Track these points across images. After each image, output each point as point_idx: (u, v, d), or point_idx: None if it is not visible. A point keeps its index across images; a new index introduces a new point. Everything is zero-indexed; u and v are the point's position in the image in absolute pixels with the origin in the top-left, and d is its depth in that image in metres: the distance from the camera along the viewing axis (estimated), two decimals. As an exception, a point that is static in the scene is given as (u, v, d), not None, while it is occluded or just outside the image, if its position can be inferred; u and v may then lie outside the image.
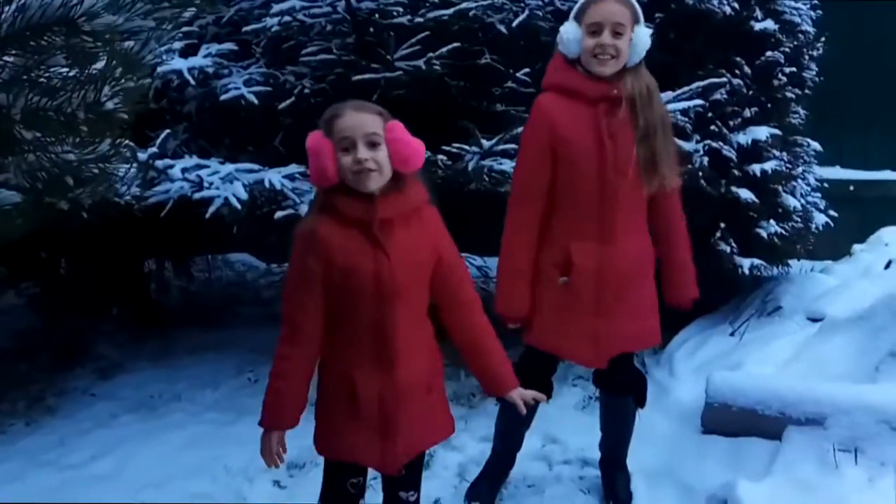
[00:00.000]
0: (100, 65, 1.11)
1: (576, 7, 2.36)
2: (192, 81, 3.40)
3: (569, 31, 2.31)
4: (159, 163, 2.90)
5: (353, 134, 1.82)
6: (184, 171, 3.22)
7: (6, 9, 1.00)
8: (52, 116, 1.05)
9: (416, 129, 3.59)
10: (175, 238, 4.41)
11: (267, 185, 3.19)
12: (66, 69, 1.11)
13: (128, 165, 1.28)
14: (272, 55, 3.84)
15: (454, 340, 2.06)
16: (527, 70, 3.71)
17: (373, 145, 1.83)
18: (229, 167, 3.18)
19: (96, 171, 1.22)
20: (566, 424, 3.37)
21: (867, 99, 5.60)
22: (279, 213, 3.19)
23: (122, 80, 1.11)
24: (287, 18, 3.41)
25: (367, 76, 3.30)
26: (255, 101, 3.33)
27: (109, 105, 1.13)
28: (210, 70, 3.53)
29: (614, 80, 2.30)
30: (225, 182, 3.13)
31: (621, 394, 2.67)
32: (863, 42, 5.50)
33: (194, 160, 3.36)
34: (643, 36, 2.30)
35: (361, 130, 1.83)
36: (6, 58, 1.03)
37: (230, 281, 5.64)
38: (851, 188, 5.60)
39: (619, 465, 2.84)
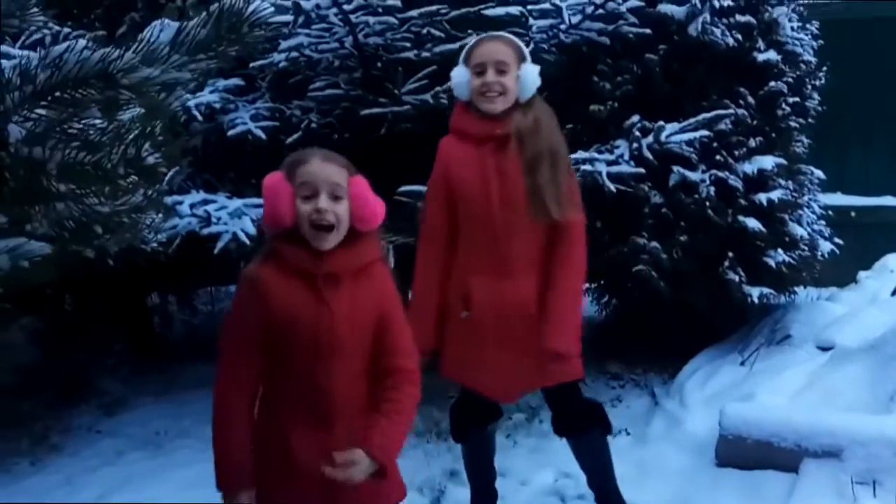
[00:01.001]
0: (128, 115, 1.11)
1: (464, 51, 2.48)
2: (200, 117, 3.41)
3: (458, 75, 2.43)
4: (168, 199, 2.90)
5: (316, 182, 1.76)
6: (192, 206, 3.22)
7: (40, 63, 1.00)
8: (89, 170, 1.04)
9: (422, 162, 3.60)
10: (179, 272, 4.40)
11: (275, 219, 3.19)
12: (98, 121, 1.11)
13: (156, 213, 1.27)
14: (277, 90, 3.86)
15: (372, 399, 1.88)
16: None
17: (335, 198, 1.77)
18: (237, 202, 3.18)
19: (126, 220, 1.21)
20: (568, 462, 3.33)
21: (867, 125, 5.64)
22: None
23: (160, 135, 1.11)
24: (294, 54, 3.44)
25: (374, 110, 3.31)
26: (263, 137, 3.34)
27: (150, 160, 1.13)
28: (217, 105, 3.54)
29: (504, 117, 2.38)
30: (233, 217, 3.13)
31: (581, 433, 2.65)
32: (863, 70, 5.56)
33: (202, 195, 3.36)
34: (530, 73, 2.38)
35: (326, 180, 1.76)
36: (40, 111, 1.03)
37: (233, 313, 5.61)
38: (853, 214, 5.62)
39: (615, 498, 2.80)
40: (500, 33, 2.52)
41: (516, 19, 3.58)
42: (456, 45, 3.41)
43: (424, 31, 3.40)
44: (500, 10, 3.51)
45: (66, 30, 3.57)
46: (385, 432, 1.80)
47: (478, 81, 2.36)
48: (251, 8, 1.12)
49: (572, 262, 2.41)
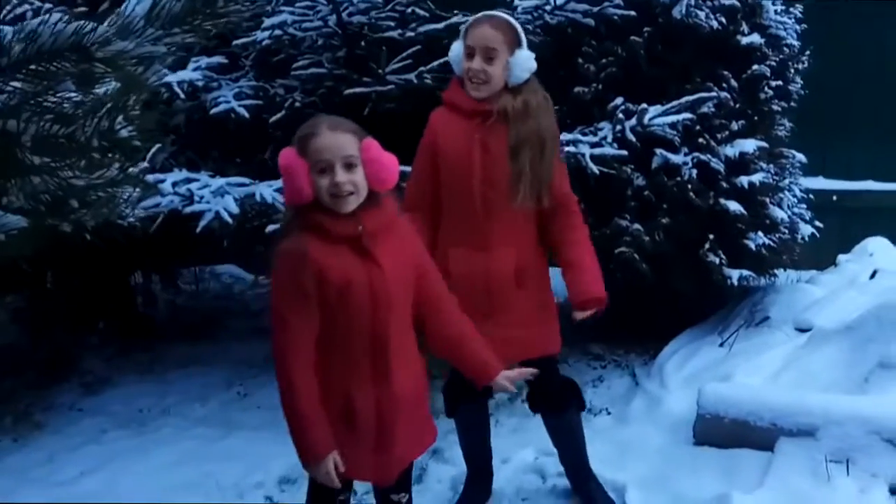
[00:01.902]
0: (104, 89, 1.11)
1: (463, 27, 2.49)
2: (182, 95, 3.39)
3: (454, 50, 2.46)
4: (150, 177, 2.89)
5: (330, 156, 1.82)
6: (174, 184, 3.21)
7: (15, 36, 0.99)
8: (63, 143, 1.04)
9: (406, 142, 3.60)
10: (163, 251, 4.38)
11: (258, 198, 3.18)
12: (73, 94, 1.11)
13: (133, 188, 1.27)
14: (261, 68, 3.84)
15: (437, 339, 2.09)
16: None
17: (350, 167, 1.84)
18: (220, 181, 3.17)
19: (102, 194, 1.21)
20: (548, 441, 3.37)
21: (850, 110, 5.68)
22: (270, 227, 3.18)
23: (136, 108, 1.11)
24: (278, 32, 3.41)
25: (358, 90, 3.30)
26: (247, 115, 3.33)
27: (124, 133, 1.13)
28: (200, 83, 3.52)
29: (491, 100, 2.39)
30: (216, 196, 3.12)
31: (558, 409, 2.69)
32: (845, 53, 5.58)
33: (184, 174, 3.34)
34: (522, 60, 2.38)
35: (339, 153, 1.83)
36: (14, 83, 1.02)
37: (217, 293, 5.61)
38: (834, 198, 5.67)
39: (588, 474, 2.84)
40: (497, 14, 2.47)
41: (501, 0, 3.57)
42: (441, 25, 3.41)
43: (409, 10, 3.38)
44: (486, -10, 3.50)
45: (48, 5, 3.53)
46: (488, 350, 2.10)
47: (465, 65, 2.38)
48: None
49: (578, 225, 2.51)
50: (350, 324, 1.90)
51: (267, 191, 3.23)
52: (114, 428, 3.67)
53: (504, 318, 2.44)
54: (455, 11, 3.55)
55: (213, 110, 3.37)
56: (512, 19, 2.49)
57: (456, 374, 2.66)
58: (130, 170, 1.26)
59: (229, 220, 3.08)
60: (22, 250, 1.13)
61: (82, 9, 3.28)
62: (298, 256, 1.84)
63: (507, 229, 2.43)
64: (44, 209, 1.14)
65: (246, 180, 3.24)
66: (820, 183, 5.58)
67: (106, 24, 1.04)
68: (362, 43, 3.34)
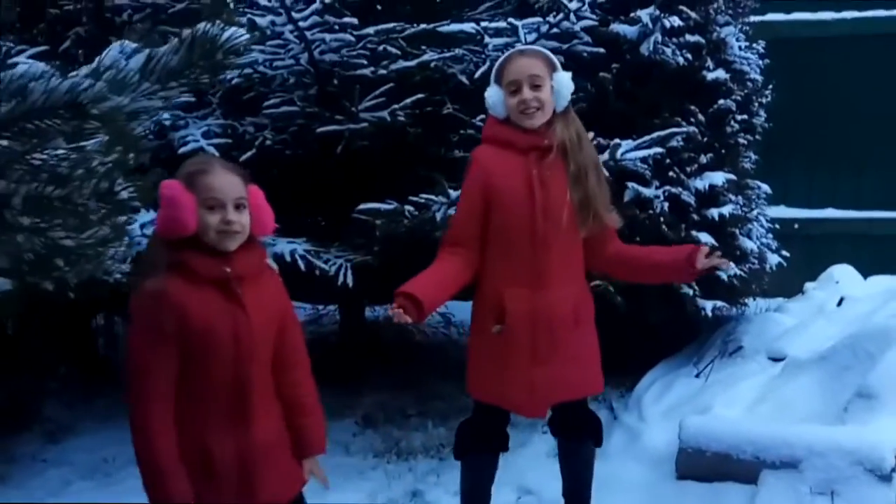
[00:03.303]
0: (94, 144, 1.06)
1: (494, 69, 2.47)
2: (150, 135, 3.32)
3: (492, 95, 2.42)
4: (120, 218, 2.81)
5: (223, 196, 1.83)
6: (142, 226, 3.13)
7: (3, 91, 0.94)
8: (57, 205, 0.99)
9: (380, 179, 3.56)
10: (126, 292, 4.27)
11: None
12: (62, 151, 1.05)
13: (121, 245, 1.22)
14: (229, 106, 3.79)
15: (279, 393, 2.03)
16: (482, 118, 3.75)
17: (239, 207, 1.86)
18: (123, 224, 3.09)
19: (90, 252, 1.15)
20: (539, 474, 3.34)
21: (809, 140, 5.82)
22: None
23: (133, 167, 1.06)
24: (248, 70, 3.38)
25: (331, 128, 3.28)
26: (216, 154, 3.27)
27: (124, 195, 1.08)
28: (167, 122, 3.46)
29: (544, 129, 2.37)
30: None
31: (579, 439, 2.67)
32: (804, 85, 5.73)
33: (152, 214, 3.27)
34: (564, 81, 2.38)
35: (232, 193, 1.85)
36: (1, 142, 0.97)
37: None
38: (796, 226, 5.78)
39: None
40: (528, 47, 2.51)
41: (472, 37, 3.60)
42: (413, 63, 3.41)
43: (381, 48, 3.38)
44: (455, 27, 3.52)
45: (8, 44, 3.45)
46: (319, 427, 2.06)
47: (514, 100, 2.33)
48: (226, 35, 1.08)
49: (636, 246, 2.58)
50: (210, 369, 1.86)
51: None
52: (78, 479, 3.53)
53: (559, 358, 2.40)
54: (424, 48, 3.56)
55: (182, 149, 3.30)
56: (541, 49, 2.50)
57: (478, 419, 2.58)
58: (121, 226, 1.20)
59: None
60: (5, 312, 1.06)
61: (44, 48, 3.23)
62: (157, 296, 1.78)
63: (563, 265, 2.40)
64: (26, 269, 1.08)
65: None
66: (782, 212, 5.69)
67: (101, 79, 0.99)
68: (334, 81, 3.32)
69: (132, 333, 1.85)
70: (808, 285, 4.68)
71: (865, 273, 4.84)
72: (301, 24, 3.13)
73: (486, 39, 3.55)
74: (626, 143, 3.30)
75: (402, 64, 3.36)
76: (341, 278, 3.27)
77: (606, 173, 3.35)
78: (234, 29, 1.10)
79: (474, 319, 2.46)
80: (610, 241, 2.51)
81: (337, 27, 3.22)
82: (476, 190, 2.39)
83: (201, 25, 1.07)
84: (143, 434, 1.81)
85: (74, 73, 1.02)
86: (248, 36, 1.16)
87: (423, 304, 2.22)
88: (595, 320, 2.51)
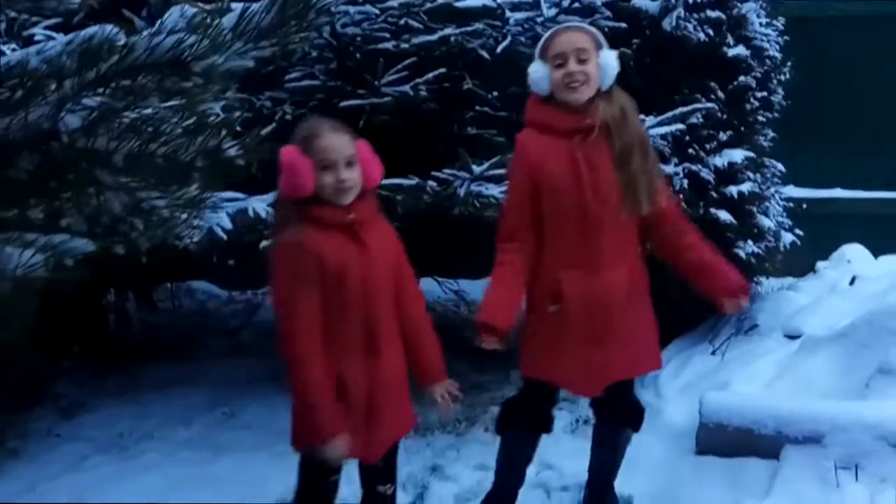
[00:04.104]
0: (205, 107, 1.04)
1: (538, 45, 2.43)
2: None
3: (536, 71, 2.38)
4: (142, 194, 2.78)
5: (335, 156, 2.02)
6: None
7: (104, 46, 0.92)
8: (160, 162, 0.97)
9: (401, 154, 3.53)
10: (139, 268, 4.24)
11: (251, 213, 3.10)
12: (150, 110, 1.03)
13: (201, 209, 1.20)
14: (245, 80, 3.74)
15: (402, 328, 2.22)
16: (501, 93, 3.73)
17: (350, 165, 2.04)
18: (213, 196, 3.07)
19: (167, 215, 1.14)
20: (558, 449, 3.34)
21: (819, 119, 5.80)
22: (265, 243, 3.10)
23: (236, 121, 1.04)
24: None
25: (352, 102, 3.24)
26: (237, 128, 3.24)
27: (232, 152, 1.06)
28: (185, 96, 3.42)
29: (588, 108, 2.34)
30: (209, 211, 3.02)
31: (620, 424, 2.67)
32: (813, 64, 5.71)
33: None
34: (610, 59, 2.35)
35: (342, 153, 2.03)
36: (95, 98, 0.95)
37: (191, 311, 5.45)
38: (804, 206, 5.77)
39: (609, 489, 2.83)
40: (573, 23, 2.48)
41: (492, 11, 3.56)
42: (434, 37, 3.38)
43: (402, 21, 3.34)
44: (477, 2, 3.48)
45: (23, 16, 3.39)
46: (437, 356, 2.27)
47: (559, 73, 2.29)
48: None
49: (689, 229, 2.50)
50: (344, 304, 2.06)
51: (260, 205, 3.15)
52: (94, 454, 3.52)
53: (616, 338, 2.39)
54: (446, 24, 3.53)
55: (206, 114, 3.26)
56: (588, 26, 2.48)
57: (525, 397, 2.59)
58: (205, 191, 1.19)
59: (223, 235, 2.99)
60: (82, 275, 1.05)
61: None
62: (299, 245, 2.00)
63: (617, 246, 2.37)
64: (100, 231, 1.07)
65: (239, 195, 3.15)
66: (791, 191, 5.68)
67: (203, 37, 0.97)
68: (357, 55, 3.28)
69: (277, 282, 2.03)
70: (820, 264, 4.70)
71: (876, 253, 4.86)
72: (325, -5, 3.08)
73: (507, 14, 3.52)
74: (649, 120, 3.29)
75: (423, 38, 3.32)
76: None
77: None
78: (326, -13, 1.07)
79: (530, 300, 2.44)
80: (663, 221, 2.44)
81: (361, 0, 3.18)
82: (524, 177, 2.38)
83: (295, -17, 1.05)
84: (300, 370, 2.00)
85: (147, 32, 1.00)
86: (340, -6, 1.13)
87: (506, 330, 2.34)
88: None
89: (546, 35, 2.41)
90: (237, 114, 1.04)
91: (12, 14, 3.12)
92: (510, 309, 2.37)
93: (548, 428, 2.64)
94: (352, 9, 3.19)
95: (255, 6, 1.07)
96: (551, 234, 2.38)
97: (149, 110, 1.02)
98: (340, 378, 2.07)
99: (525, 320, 2.48)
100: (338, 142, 2.04)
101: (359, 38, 3.29)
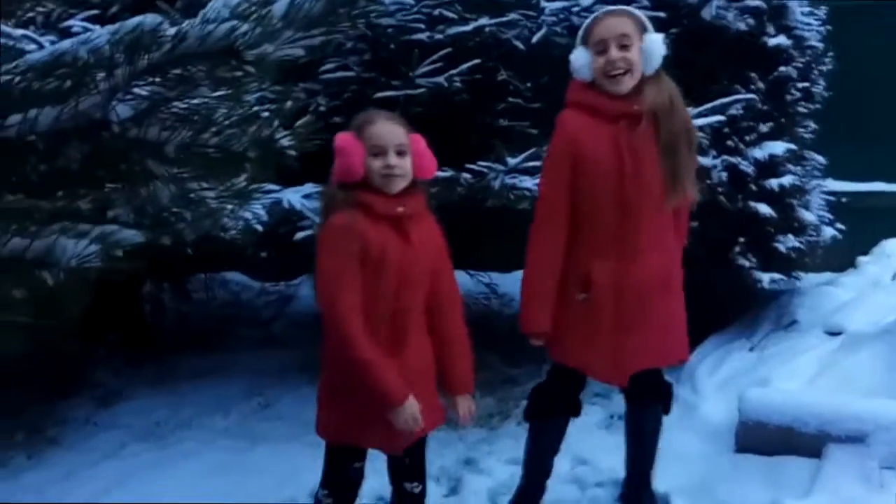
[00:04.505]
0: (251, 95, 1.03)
1: (581, 31, 2.38)
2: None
3: (578, 58, 2.33)
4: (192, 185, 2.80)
5: (385, 142, 2.05)
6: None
7: (155, 34, 0.91)
8: (211, 153, 0.96)
9: (435, 146, 3.52)
10: (174, 258, 4.27)
11: (286, 205, 3.11)
12: (203, 100, 1.02)
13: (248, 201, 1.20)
14: (278, 70, 3.75)
15: (435, 330, 2.21)
16: (534, 84, 3.69)
17: (401, 154, 2.06)
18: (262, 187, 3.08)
19: (214, 206, 1.13)
20: (592, 444, 3.32)
21: (859, 112, 5.67)
22: (299, 235, 3.11)
23: (289, 112, 1.03)
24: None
25: (387, 93, 3.23)
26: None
27: (284, 142, 1.05)
28: (220, 87, 3.43)
29: (634, 94, 2.28)
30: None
31: (649, 402, 2.65)
32: (851, 54, 5.58)
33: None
34: (655, 43, 2.29)
35: (393, 140, 2.06)
36: (146, 88, 0.94)
37: (225, 301, 5.49)
38: (844, 200, 5.65)
39: (647, 483, 2.79)
40: (617, 7, 2.39)
41: (527, 1, 3.53)
42: (469, 27, 3.35)
43: (436, 12, 3.32)
44: (512, -8, 3.46)
45: (60, 8, 3.43)
46: (466, 368, 2.24)
47: (601, 60, 2.24)
48: None
49: (683, 241, 2.53)
50: (378, 293, 2.06)
51: (294, 197, 3.16)
52: (132, 441, 3.55)
53: (645, 327, 2.36)
54: (480, 15, 3.50)
55: (256, 104, 3.27)
56: (632, 8, 2.41)
57: (554, 382, 2.58)
58: (254, 182, 1.18)
59: (258, 227, 3.00)
60: (133, 266, 1.05)
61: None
62: (347, 228, 2.03)
63: (654, 235, 2.34)
64: (147, 222, 1.06)
65: (274, 186, 3.16)
66: (830, 185, 5.56)
67: (254, 25, 0.96)
68: (391, 46, 3.27)
69: (324, 260, 2.05)
70: (861, 259, 4.60)
71: (918, 248, 4.74)
72: (360, -14, 3.07)
73: (542, 4, 3.48)
74: (689, 111, 3.22)
75: (458, 29, 3.30)
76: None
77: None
78: (376, -27, 1.05)
79: (563, 288, 2.41)
80: (679, 217, 2.44)
81: (396, -10, 3.16)
82: (563, 157, 2.33)
83: (344, -29, 1.03)
84: (350, 341, 2.02)
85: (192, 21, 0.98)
86: (388, -18, 1.11)
87: (549, 329, 2.40)
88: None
89: (588, 20, 2.36)
90: (289, 103, 1.02)
91: (49, 6, 3.15)
92: (547, 308, 2.38)
93: (576, 412, 2.63)
94: (387, -1, 3.18)
95: (304, -6, 1.05)
96: (585, 220, 2.34)
97: (198, 100, 1.01)
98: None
99: (558, 305, 2.44)
100: (389, 129, 2.07)
101: (393, 29, 3.27)
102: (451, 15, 3.33)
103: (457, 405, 2.26)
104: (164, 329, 4.88)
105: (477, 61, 3.28)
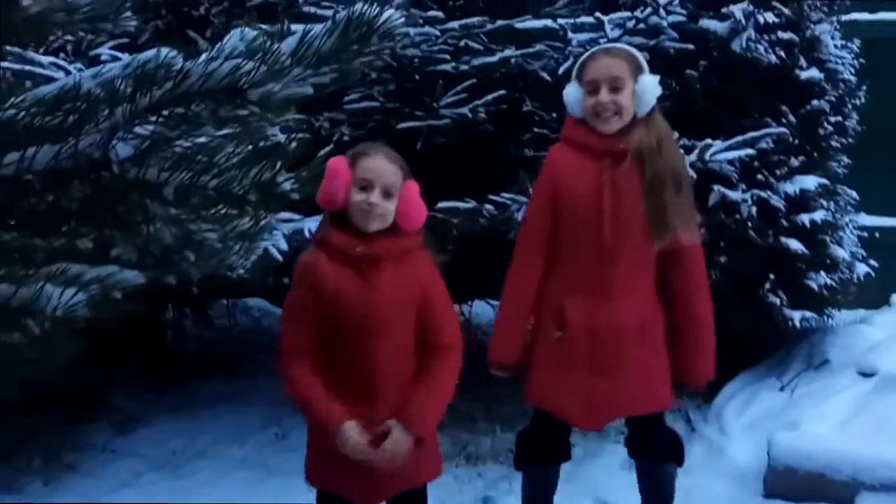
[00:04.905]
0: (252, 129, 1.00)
1: (576, 66, 2.36)
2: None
3: (571, 93, 2.31)
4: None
5: (373, 178, 1.93)
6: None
7: (158, 71, 0.89)
8: (212, 196, 0.93)
9: (458, 177, 3.49)
10: (196, 285, 4.27)
11: (307, 234, 3.08)
12: (205, 139, 0.99)
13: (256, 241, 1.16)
14: (305, 100, 3.75)
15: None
16: (560, 115, 3.65)
17: (387, 195, 1.94)
18: (269, 217, 3.07)
19: (220, 245, 1.10)
20: (614, 485, 3.23)
21: (893, 146, 5.56)
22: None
23: (292, 154, 1.01)
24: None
25: (411, 124, 3.21)
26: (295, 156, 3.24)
27: (286, 186, 1.02)
28: (245, 116, 3.43)
29: (622, 133, 2.26)
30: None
31: (657, 459, 2.54)
32: (882, 87, 5.48)
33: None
34: (649, 85, 2.25)
35: (383, 178, 1.94)
36: (147, 126, 0.91)
37: (246, 327, 5.48)
38: (877, 235, 5.52)
39: None
40: (614, 45, 2.41)
41: (554, 32, 3.50)
42: (495, 58, 3.33)
43: (462, 43, 3.30)
44: (539, 23, 3.43)
45: (89, 37, 3.47)
46: (422, 403, 1.99)
47: (591, 101, 2.23)
48: (383, 17, 1.01)
49: (703, 287, 2.35)
50: (338, 342, 1.97)
51: (315, 225, 3.13)
52: (149, 471, 3.53)
53: (621, 372, 2.30)
54: (506, 45, 3.48)
55: (261, 143, 3.27)
56: (629, 48, 2.38)
57: (537, 427, 2.51)
58: (262, 221, 1.15)
59: (279, 256, 2.97)
60: (135, 309, 1.01)
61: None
62: (305, 267, 1.96)
63: (631, 277, 2.28)
64: (151, 262, 1.03)
65: (295, 216, 3.14)
66: (862, 219, 5.44)
67: (261, 63, 0.93)
68: (416, 76, 3.26)
69: (288, 295, 2.00)
70: (895, 297, 4.47)
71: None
72: (386, 17, 3.07)
73: (570, 35, 3.45)
74: (717, 144, 3.17)
75: (483, 59, 3.28)
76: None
77: (693, 175, 3.27)
78: (390, 11, 1.02)
79: (537, 324, 2.36)
80: (680, 262, 2.31)
81: (421, 21, 3.15)
82: (545, 190, 2.31)
83: (358, 6, 1.00)
84: (291, 382, 1.97)
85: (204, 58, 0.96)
86: (403, 19, 1.09)
87: (514, 364, 2.36)
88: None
89: (583, 57, 2.34)
90: (293, 144, 0.99)
91: (80, 34, 3.18)
92: (515, 339, 2.35)
93: (566, 456, 2.56)
94: (412, 30, 3.17)
95: (315, 29, 1.01)
96: (562, 255, 2.30)
97: (203, 139, 0.97)
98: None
99: (531, 343, 2.38)
100: (383, 166, 1.96)
101: (418, 60, 3.26)
102: (476, 46, 3.32)
103: (392, 430, 1.98)
104: (186, 354, 4.87)
105: (502, 92, 3.25)
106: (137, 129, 0.94)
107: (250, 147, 0.98)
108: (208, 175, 0.94)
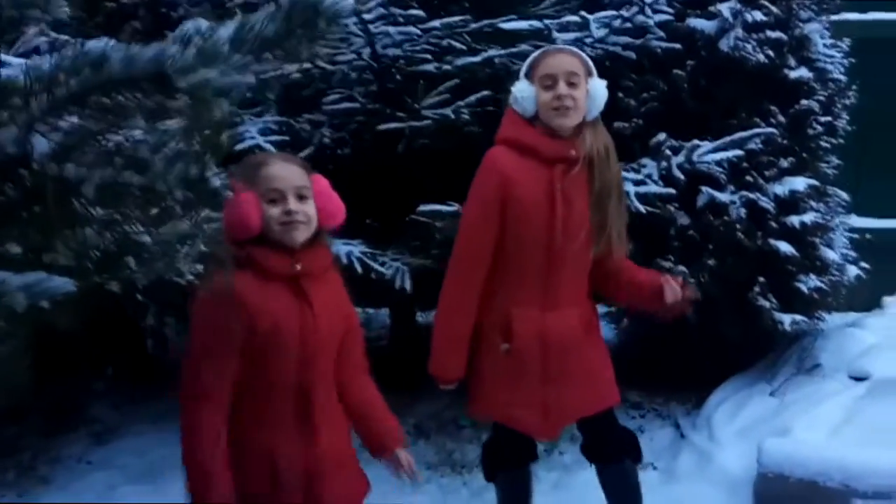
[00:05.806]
0: (177, 121, 0.92)
1: (525, 65, 2.32)
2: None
3: (522, 91, 2.25)
4: (205, 211, 2.71)
5: (283, 186, 1.76)
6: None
7: (76, 60, 0.81)
8: (135, 194, 0.86)
9: (441, 179, 3.40)
10: (180, 292, 4.18)
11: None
12: (138, 132, 0.92)
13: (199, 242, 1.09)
14: (285, 102, 3.67)
15: (344, 399, 1.98)
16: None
17: (302, 198, 1.78)
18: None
19: (165, 250, 1.02)
20: (594, 499, 3.15)
21: (884, 146, 5.53)
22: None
23: (224, 148, 0.93)
24: (307, 65, 3.25)
25: (392, 125, 3.14)
26: (273, 151, 3.15)
27: (216, 182, 0.95)
28: (222, 118, 3.35)
29: (573, 136, 2.23)
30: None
31: (616, 460, 2.49)
32: (872, 87, 5.44)
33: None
34: (599, 88, 2.24)
35: (292, 182, 1.77)
36: (69, 119, 0.84)
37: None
38: (868, 237, 5.47)
39: None
40: (563, 46, 2.40)
41: (539, 32, 3.43)
42: (478, 58, 3.26)
43: (445, 42, 3.23)
44: (524, 23, 3.36)
45: (64, 37, 3.38)
46: (392, 423, 2.01)
47: (548, 95, 2.18)
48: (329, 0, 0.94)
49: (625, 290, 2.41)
50: (275, 371, 1.80)
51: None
52: (124, 483, 3.45)
53: (570, 377, 2.29)
54: (489, 46, 3.41)
55: (238, 147, 3.19)
56: (577, 49, 2.40)
57: (499, 436, 2.47)
58: (206, 222, 1.07)
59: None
60: (70, 321, 0.93)
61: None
62: (226, 297, 1.69)
63: (573, 285, 2.30)
64: (91, 267, 0.95)
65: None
66: (853, 221, 5.40)
67: (189, 47, 0.86)
68: (398, 77, 3.18)
69: (193, 333, 1.79)
70: (887, 299, 4.41)
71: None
72: (366, 16, 2.99)
73: (555, 34, 3.38)
74: (705, 145, 3.11)
75: (467, 59, 3.21)
76: (399, 282, 3.13)
77: (681, 176, 3.21)
78: (340, -6, 0.95)
79: (481, 336, 2.30)
80: (611, 266, 2.35)
81: (402, 20, 3.08)
82: (494, 198, 2.22)
83: (304, -10, 0.93)
84: (190, 434, 1.77)
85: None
86: (351, 1, 1.01)
87: (457, 377, 2.32)
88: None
89: (534, 54, 2.30)
90: (224, 136, 0.92)
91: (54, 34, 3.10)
92: (461, 353, 2.28)
93: (533, 456, 2.52)
94: (392, 29, 3.09)
95: (257, 15, 0.94)
96: (508, 264, 2.25)
97: (138, 132, 0.90)
98: (271, 460, 1.82)
99: (476, 355, 2.32)
100: (287, 171, 1.78)
101: (400, 60, 3.19)
102: (459, 46, 3.24)
103: (398, 460, 2.00)
104: (166, 363, 4.77)
105: (486, 93, 3.18)
106: (61, 123, 0.86)
107: (175, 142, 0.90)
108: (130, 171, 0.86)
